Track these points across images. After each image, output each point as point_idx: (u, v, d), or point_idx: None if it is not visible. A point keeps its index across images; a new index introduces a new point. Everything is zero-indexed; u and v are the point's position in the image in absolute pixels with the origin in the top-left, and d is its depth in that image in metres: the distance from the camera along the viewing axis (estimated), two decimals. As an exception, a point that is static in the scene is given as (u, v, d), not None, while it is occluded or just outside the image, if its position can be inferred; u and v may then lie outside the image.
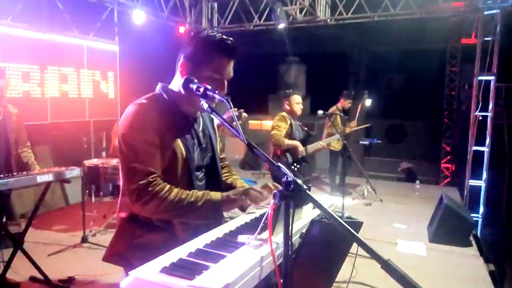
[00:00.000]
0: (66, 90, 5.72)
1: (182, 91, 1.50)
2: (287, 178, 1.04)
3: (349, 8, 7.09)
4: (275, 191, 1.04)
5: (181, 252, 1.15)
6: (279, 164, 1.13)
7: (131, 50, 6.68)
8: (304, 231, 1.35)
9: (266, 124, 8.34)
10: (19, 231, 3.55)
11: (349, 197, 6.83)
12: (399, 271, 0.86)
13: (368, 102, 7.35)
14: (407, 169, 9.57)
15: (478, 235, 6.27)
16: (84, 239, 4.58)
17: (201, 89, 1.40)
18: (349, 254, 3.59)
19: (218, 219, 1.60)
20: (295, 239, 1.34)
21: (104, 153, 5.82)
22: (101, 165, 4.77)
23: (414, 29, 8.24)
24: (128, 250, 1.53)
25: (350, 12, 7.09)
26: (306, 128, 4.74)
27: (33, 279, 3.60)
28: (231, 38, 1.60)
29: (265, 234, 1.22)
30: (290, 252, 1.04)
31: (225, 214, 1.76)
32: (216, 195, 1.55)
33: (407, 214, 5.96)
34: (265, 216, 1.22)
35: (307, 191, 1.05)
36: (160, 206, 1.43)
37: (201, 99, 1.40)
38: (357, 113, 7.09)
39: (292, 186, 1.03)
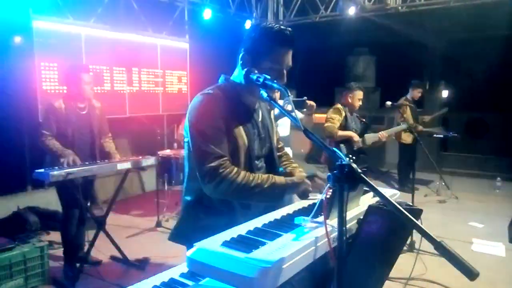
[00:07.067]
0: (142, 86, 6.15)
1: (243, 82, 1.56)
2: (341, 161, 1.06)
3: (422, -6, 6.71)
4: (329, 173, 1.06)
5: (241, 229, 1.23)
6: (334, 148, 1.15)
7: (200, 47, 6.94)
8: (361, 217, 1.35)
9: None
10: (101, 215, 3.88)
11: (421, 193, 6.51)
12: (453, 252, 0.84)
13: (444, 93, 6.90)
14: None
15: None
16: (158, 224, 4.93)
17: (261, 79, 1.45)
18: (418, 251, 3.48)
19: (281, 203, 1.64)
20: (353, 224, 1.34)
21: (175, 144, 6.15)
22: (173, 156, 5.08)
23: (496, 14, 7.53)
24: (191, 231, 1.63)
25: (423, -2, 6.72)
26: (364, 120, 4.59)
27: (113, 258, 3.97)
28: (289, 29, 1.63)
29: (322, 217, 1.25)
30: (345, 236, 1.06)
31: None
32: (280, 178, 1.62)
33: (485, 213, 5.55)
34: (319, 199, 1.25)
35: (362, 174, 1.06)
36: (230, 187, 1.52)
37: (260, 89, 1.46)
38: (435, 115, 6.71)
39: (346, 169, 1.04)
